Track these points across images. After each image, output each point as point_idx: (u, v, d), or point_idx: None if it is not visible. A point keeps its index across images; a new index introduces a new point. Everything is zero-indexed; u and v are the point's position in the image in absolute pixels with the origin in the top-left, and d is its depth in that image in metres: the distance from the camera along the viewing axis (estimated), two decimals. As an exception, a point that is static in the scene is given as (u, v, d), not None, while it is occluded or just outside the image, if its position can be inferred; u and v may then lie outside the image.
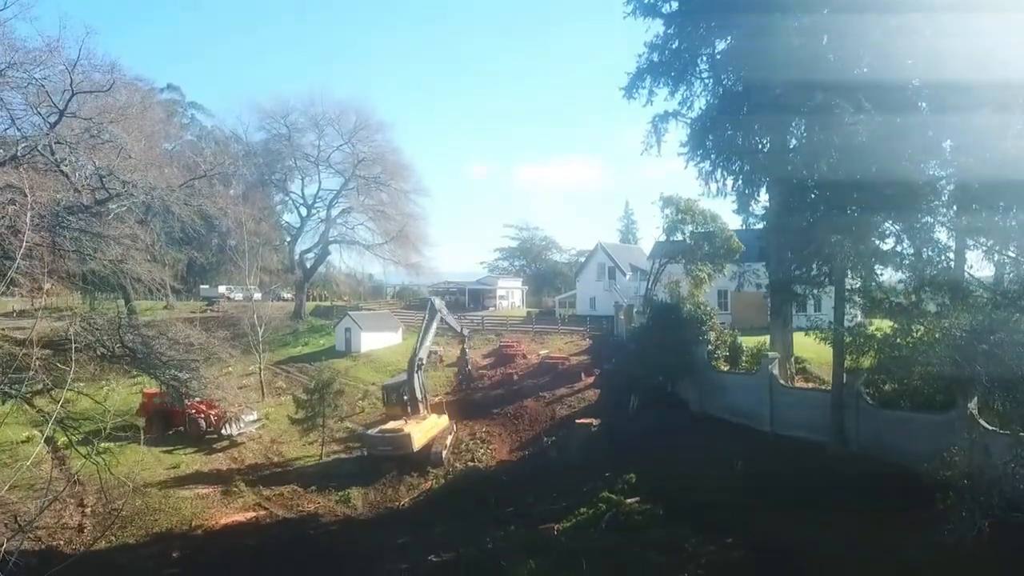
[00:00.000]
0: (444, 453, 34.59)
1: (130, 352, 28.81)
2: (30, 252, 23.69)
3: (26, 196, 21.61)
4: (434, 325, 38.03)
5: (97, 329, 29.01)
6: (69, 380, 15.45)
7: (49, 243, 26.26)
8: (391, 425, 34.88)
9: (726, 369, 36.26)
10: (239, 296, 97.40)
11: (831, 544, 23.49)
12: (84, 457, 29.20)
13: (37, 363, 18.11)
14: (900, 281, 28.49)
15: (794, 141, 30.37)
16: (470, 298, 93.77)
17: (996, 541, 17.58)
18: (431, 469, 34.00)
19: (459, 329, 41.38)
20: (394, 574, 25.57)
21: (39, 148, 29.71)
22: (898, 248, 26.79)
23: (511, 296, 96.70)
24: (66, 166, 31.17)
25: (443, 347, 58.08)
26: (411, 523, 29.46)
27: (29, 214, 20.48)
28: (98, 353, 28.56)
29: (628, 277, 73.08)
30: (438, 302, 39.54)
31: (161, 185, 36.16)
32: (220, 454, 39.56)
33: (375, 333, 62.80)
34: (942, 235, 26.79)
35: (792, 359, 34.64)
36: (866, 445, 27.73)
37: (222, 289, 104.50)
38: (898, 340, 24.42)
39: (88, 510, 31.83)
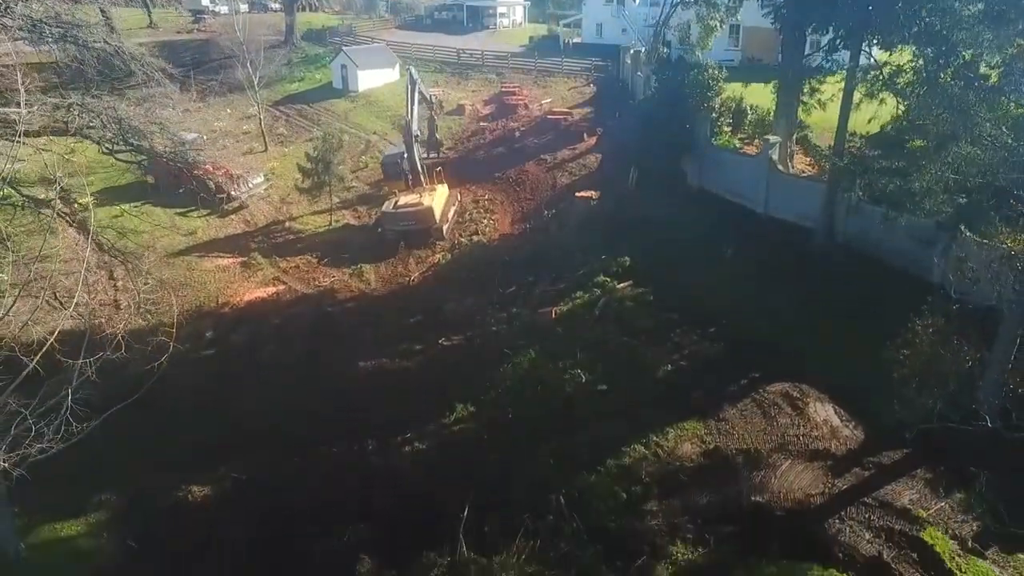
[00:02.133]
0: (446, 228, 36.04)
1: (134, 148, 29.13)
2: None
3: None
4: (416, 95, 37.51)
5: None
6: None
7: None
8: (408, 199, 35.87)
9: (726, 141, 36.41)
10: (224, 9, 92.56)
11: (808, 341, 26.08)
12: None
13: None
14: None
15: None
16: (468, 16, 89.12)
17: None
18: (438, 243, 35.83)
19: (430, 98, 40.66)
20: (409, 355, 28.54)
21: None
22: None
23: (512, 13, 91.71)
24: None
25: (443, 89, 57.05)
26: (421, 301, 31.92)
27: None
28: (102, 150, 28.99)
29: (637, 2, 68.87)
30: (414, 72, 38.55)
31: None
32: (232, 216, 41.21)
33: (372, 71, 61.20)
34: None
35: (794, 136, 34.63)
36: (852, 238, 29.08)
37: (205, 1, 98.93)
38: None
39: (119, 283, 34.29)
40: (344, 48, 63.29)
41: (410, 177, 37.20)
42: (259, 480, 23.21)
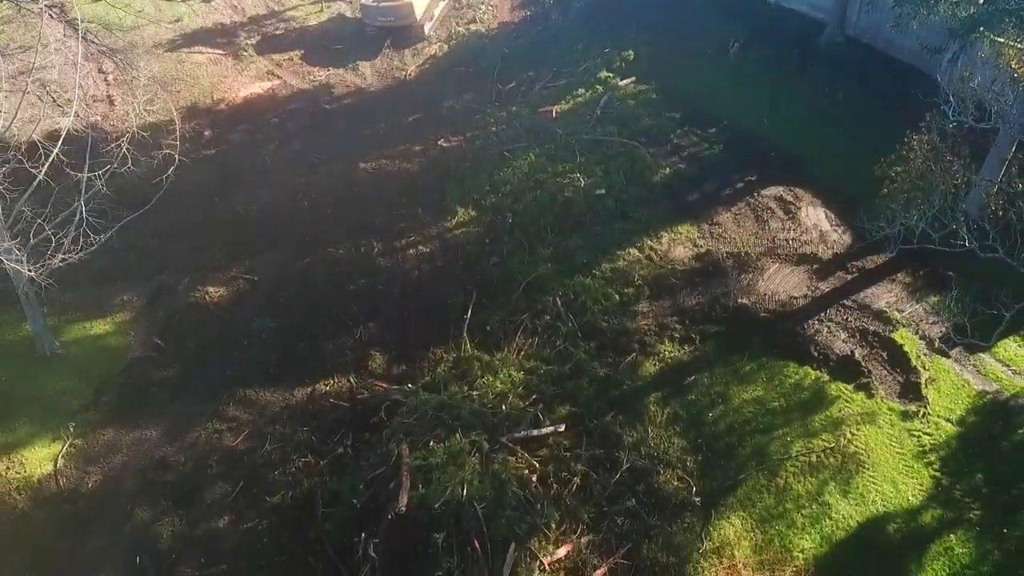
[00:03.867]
0: (428, 27, 34.19)
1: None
2: None
3: None
4: None
5: None
6: None
7: None
8: None
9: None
10: None
11: (807, 143, 26.18)
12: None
13: None
14: None
15: None
16: None
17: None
18: (433, 34, 34.38)
19: None
20: (408, 157, 28.63)
21: None
22: None
23: None
24: None
25: None
26: (419, 97, 31.36)
27: None
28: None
29: None
30: None
31: None
32: (219, 1, 39.12)
33: None
34: None
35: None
36: (863, 32, 28.07)
37: None
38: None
39: (111, 77, 33.44)
40: None
41: None
42: (269, 280, 24.34)
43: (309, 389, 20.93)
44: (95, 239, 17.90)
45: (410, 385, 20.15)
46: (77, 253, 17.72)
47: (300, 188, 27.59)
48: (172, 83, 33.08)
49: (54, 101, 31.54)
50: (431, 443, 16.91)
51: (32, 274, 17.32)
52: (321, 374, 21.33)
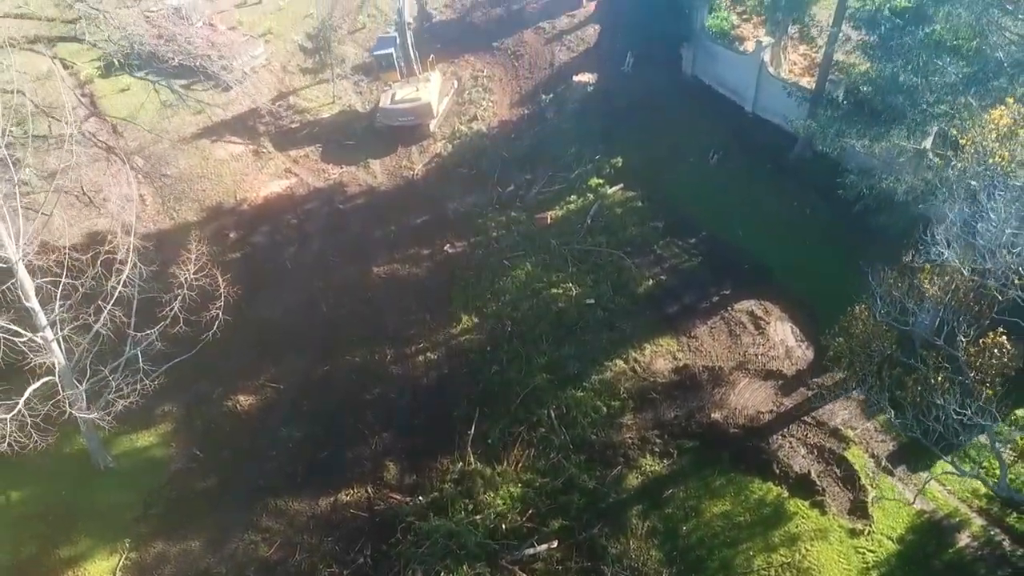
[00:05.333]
0: (433, 124, 36.96)
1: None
2: None
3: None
4: None
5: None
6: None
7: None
8: (405, 94, 36.45)
9: (723, 19, 36.42)
10: None
11: (777, 252, 28.93)
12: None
13: None
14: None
15: None
16: None
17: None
18: (438, 131, 37.19)
19: None
20: (417, 260, 31.45)
21: None
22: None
23: None
24: None
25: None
26: (426, 199, 34.14)
27: None
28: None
29: None
30: None
31: None
32: (237, 90, 41.89)
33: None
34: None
35: (790, 27, 34.74)
36: (832, 146, 30.74)
37: None
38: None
39: (141, 175, 36.31)
40: None
41: (403, 67, 37.46)
42: (293, 387, 27.17)
43: (332, 499, 23.84)
44: (151, 384, 20.75)
45: (421, 499, 23.03)
46: (136, 399, 20.57)
47: (319, 292, 30.43)
48: (198, 180, 36.07)
49: (91, 201, 34.71)
50: (441, 573, 19.80)
51: (96, 418, 20.16)
52: (342, 483, 24.23)
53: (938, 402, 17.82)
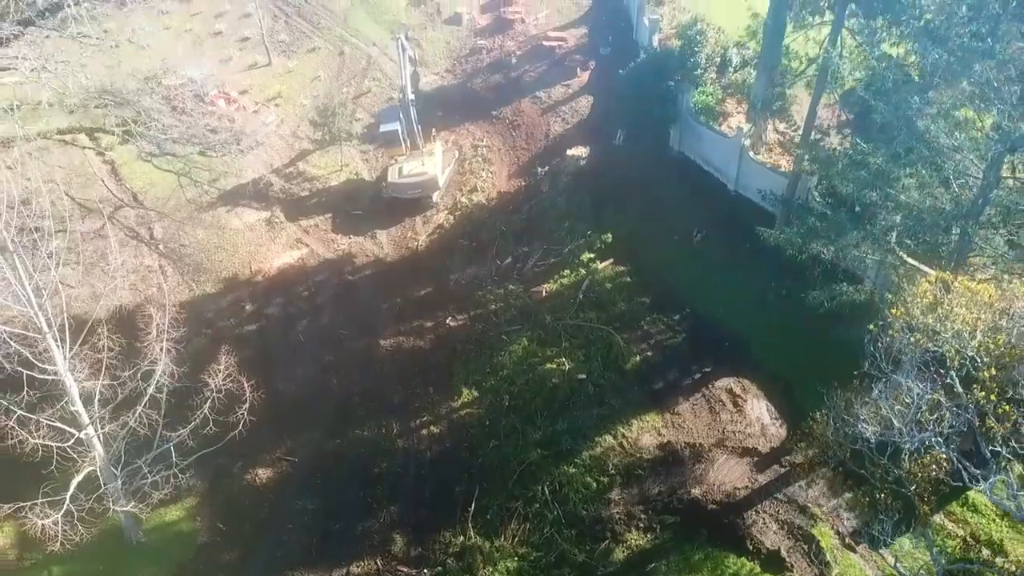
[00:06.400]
0: (436, 195, 39.47)
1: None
2: None
3: None
4: (407, 59, 39.32)
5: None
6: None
7: None
8: (411, 168, 38.89)
9: (709, 95, 38.80)
10: None
11: (756, 329, 31.15)
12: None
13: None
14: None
15: None
16: None
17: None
18: (440, 201, 39.65)
19: (415, 69, 42.04)
20: (421, 333, 33.77)
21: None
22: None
23: None
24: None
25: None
26: (429, 270, 36.50)
27: None
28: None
29: None
30: (404, 40, 39.81)
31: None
32: (250, 157, 44.35)
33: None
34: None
35: (773, 103, 37.01)
36: (807, 235, 33.06)
37: None
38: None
39: (161, 247, 38.70)
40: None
41: (408, 143, 39.87)
42: (307, 461, 29.47)
43: (344, 571, 26.11)
44: (184, 480, 23.06)
45: (426, 571, 25.33)
46: (167, 489, 22.88)
47: (329, 365, 32.75)
48: (215, 251, 38.43)
49: (113, 278, 37.01)
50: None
51: (136, 511, 22.46)
52: (353, 556, 26.51)
53: (880, 516, 20.06)
